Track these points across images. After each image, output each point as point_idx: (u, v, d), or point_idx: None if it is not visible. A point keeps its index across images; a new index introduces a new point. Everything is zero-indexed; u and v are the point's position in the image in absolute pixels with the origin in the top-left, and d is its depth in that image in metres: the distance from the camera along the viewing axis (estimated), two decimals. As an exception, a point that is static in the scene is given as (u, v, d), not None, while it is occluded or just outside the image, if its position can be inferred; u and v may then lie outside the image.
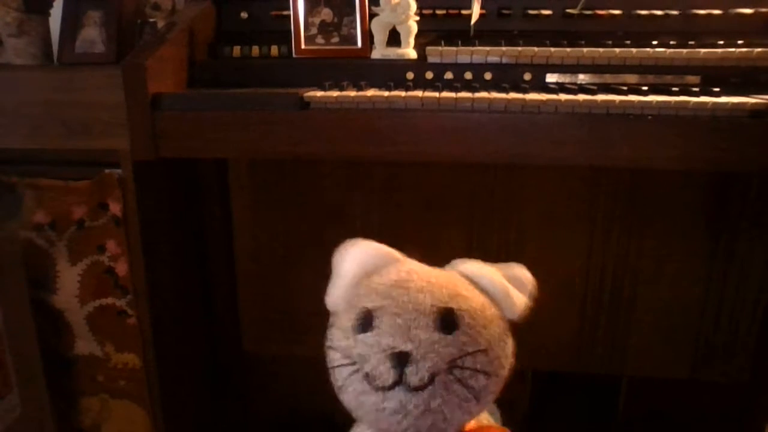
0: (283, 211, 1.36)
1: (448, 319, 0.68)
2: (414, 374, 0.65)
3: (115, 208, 1.11)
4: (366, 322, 0.69)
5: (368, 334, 0.68)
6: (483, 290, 0.74)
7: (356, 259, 0.78)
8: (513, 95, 0.93)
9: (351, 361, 0.69)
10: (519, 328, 1.44)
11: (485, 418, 0.82)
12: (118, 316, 1.18)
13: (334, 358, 0.73)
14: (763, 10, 1.09)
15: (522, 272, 0.79)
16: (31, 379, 1.18)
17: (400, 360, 0.65)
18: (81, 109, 1.04)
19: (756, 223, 1.22)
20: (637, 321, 1.32)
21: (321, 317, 0.79)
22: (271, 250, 1.38)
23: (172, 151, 1.00)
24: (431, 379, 0.65)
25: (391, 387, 0.66)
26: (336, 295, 0.78)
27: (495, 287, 0.74)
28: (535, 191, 1.27)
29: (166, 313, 1.19)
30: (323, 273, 0.80)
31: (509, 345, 0.75)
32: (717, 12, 1.10)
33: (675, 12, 1.11)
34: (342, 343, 0.71)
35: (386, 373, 0.66)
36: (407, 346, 0.66)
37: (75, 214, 1.13)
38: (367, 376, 0.67)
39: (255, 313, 1.44)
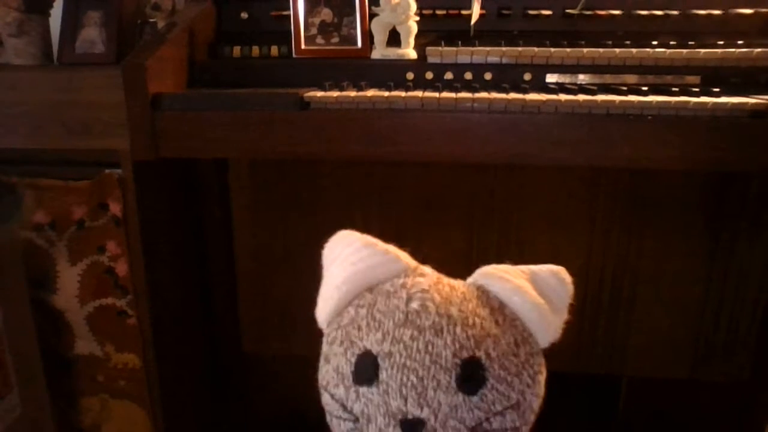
0: (283, 211, 1.36)
1: (473, 374, 0.55)
2: None
3: (115, 208, 1.11)
4: (369, 370, 0.56)
5: (372, 389, 0.56)
6: (515, 314, 0.61)
7: (353, 267, 0.62)
8: (513, 95, 0.93)
9: (351, 417, 0.57)
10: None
11: None
12: (118, 316, 1.18)
13: (329, 405, 0.60)
14: (763, 10, 1.09)
15: (558, 280, 0.64)
16: (31, 379, 1.18)
17: (414, 429, 0.54)
18: (81, 109, 1.04)
19: (756, 223, 1.22)
20: (637, 321, 1.32)
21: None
22: (271, 250, 1.39)
23: (172, 151, 1.00)
24: None
25: None
26: (328, 311, 0.63)
27: (529, 311, 0.61)
28: (535, 191, 1.27)
29: (166, 313, 1.19)
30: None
31: (542, 381, 0.63)
32: (717, 12, 1.10)
33: (675, 12, 1.11)
34: (339, 392, 0.59)
35: None
36: (423, 413, 0.54)
37: (75, 214, 1.13)
38: None
39: (255, 313, 1.44)
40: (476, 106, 0.92)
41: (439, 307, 0.57)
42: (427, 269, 0.65)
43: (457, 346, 0.55)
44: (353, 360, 0.58)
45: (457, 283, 0.63)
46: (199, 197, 1.34)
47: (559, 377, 1.44)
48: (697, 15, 1.10)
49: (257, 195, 1.36)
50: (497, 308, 0.60)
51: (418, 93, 0.96)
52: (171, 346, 1.22)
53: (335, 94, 0.96)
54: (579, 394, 1.40)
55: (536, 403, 0.61)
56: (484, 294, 0.61)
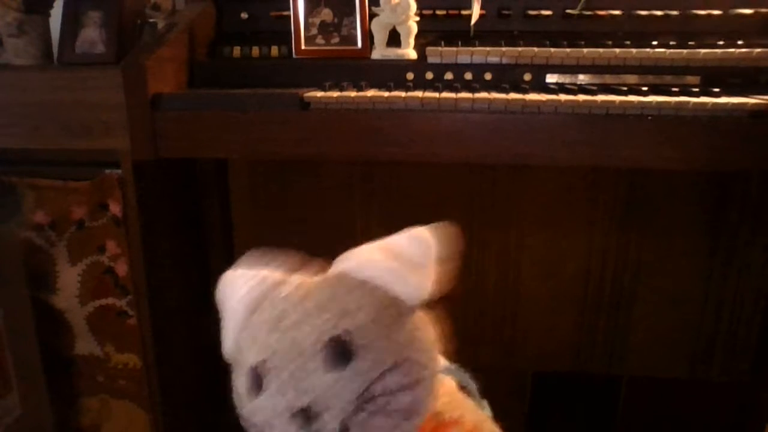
0: (283, 211, 1.36)
1: (339, 351, 0.57)
2: (324, 428, 0.56)
3: (115, 208, 1.11)
4: (256, 382, 0.60)
5: (261, 397, 0.59)
6: (374, 285, 0.62)
7: (237, 296, 0.68)
8: (513, 96, 0.93)
9: (259, 430, 0.61)
10: (519, 329, 1.43)
11: (452, 396, 0.70)
12: (118, 316, 1.18)
13: (246, 426, 0.64)
14: (763, 10, 1.09)
15: (414, 240, 0.66)
16: (31, 379, 1.18)
17: (304, 418, 0.56)
18: (81, 109, 1.04)
19: (756, 223, 1.22)
20: (637, 321, 1.32)
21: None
22: (270, 249, 1.38)
23: (172, 151, 1.00)
24: (345, 427, 0.56)
25: None
26: (228, 346, 0.68)
27: (384, 276, 0.62)
28: (535, 191, 1.27)
29: (166, 313, 1.19)
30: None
31: (428, 333, 0.64)
32: (717, 12, 1.10)
33: (675, 12, 1.11)
34: (245, 412, 0.62)
35: None
36: (304, 401, 0.56)
37: (75, 214, 1.13)
38: None
39: (255, 313, 1.44)
40: (476, 107, 0.92)
41: (297, 306, 0.61)
42: (293, 278, 0.68)
43: (318, 329, 0.58)
44: (244, 379, 0.62)
45: (318, 279, 0.67)
46: (199, 197, 1.34)
47: (559, 377, 1.44)
48: (697, 15, 1.10)
49: (257, 195, 1.36)
50: (356, 285, 0.63)
51: (418, 93, 0.96)
52: (171, 346, 1.22)
53: (335, 94, 0.96)
54: (579, 394, 1.40)
55: (425, 358, 0.62)
56: (343, 278, 0.64)
